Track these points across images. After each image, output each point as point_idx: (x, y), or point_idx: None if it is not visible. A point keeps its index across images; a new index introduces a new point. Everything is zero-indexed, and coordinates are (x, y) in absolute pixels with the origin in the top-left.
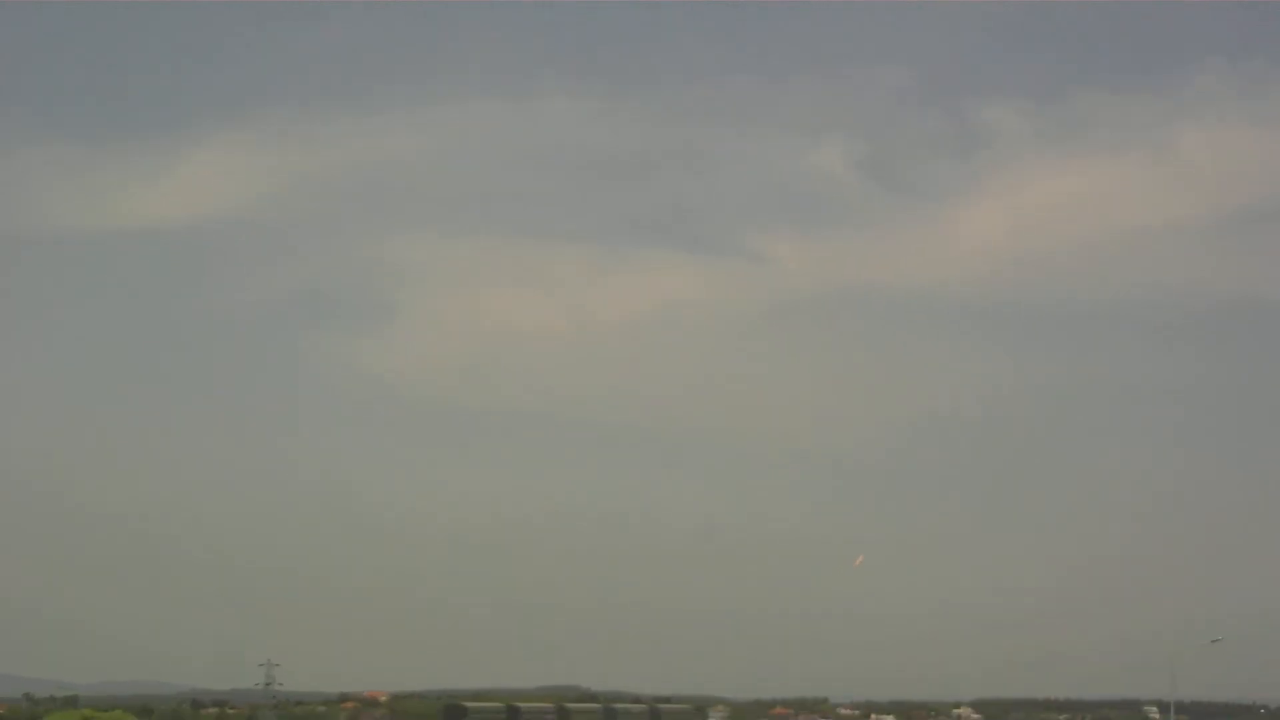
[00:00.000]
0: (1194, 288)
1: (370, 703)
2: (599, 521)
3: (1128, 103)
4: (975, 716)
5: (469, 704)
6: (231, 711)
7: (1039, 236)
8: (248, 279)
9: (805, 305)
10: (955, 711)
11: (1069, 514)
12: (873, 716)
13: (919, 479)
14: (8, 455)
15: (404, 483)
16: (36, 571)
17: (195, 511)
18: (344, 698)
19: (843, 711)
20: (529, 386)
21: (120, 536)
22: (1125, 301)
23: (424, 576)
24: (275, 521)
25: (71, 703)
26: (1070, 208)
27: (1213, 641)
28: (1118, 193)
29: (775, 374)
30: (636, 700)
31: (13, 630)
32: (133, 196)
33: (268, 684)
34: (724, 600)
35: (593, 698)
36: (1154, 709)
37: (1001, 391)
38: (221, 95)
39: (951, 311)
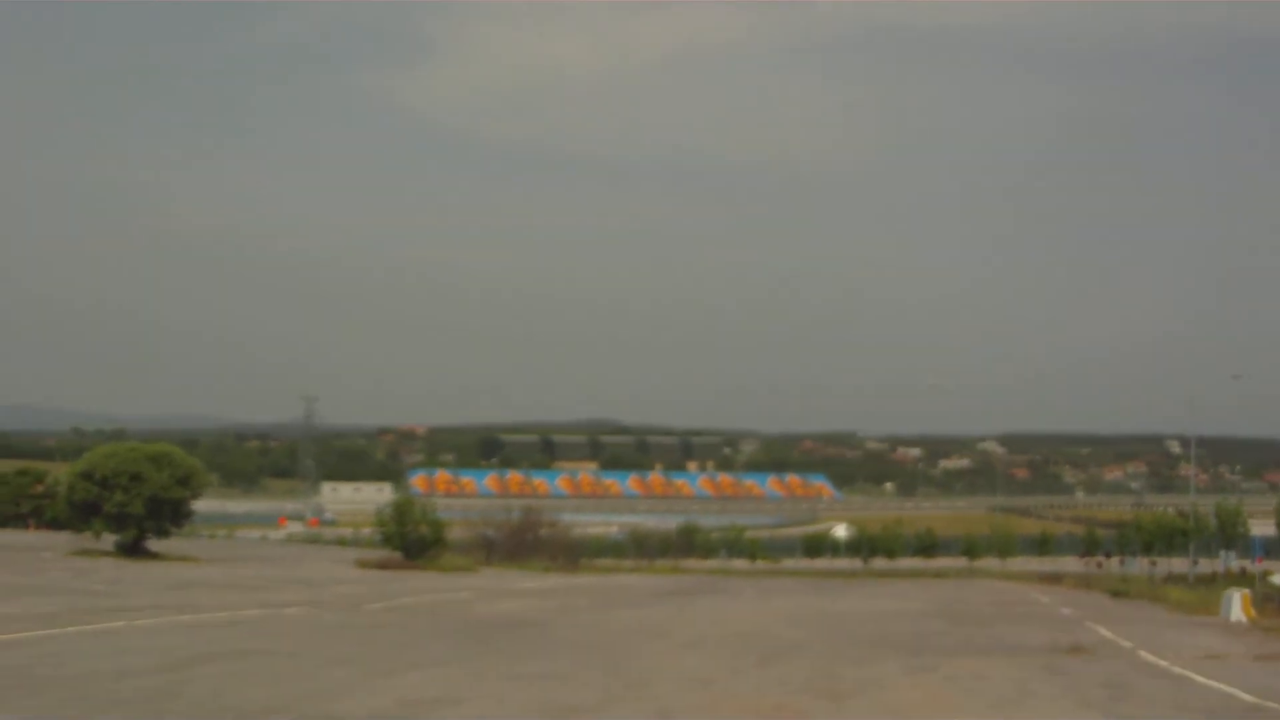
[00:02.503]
0: (1227, 21)
1: (408, 435)
2: (630, 256)
3: None
4: (1000, 450)
5: (505, 436)
6: (273, 444)
7: None
8: (278, 14)
9: (839, 43)
10: (980, 446)
11: (1100, 254)
12: (899, 449)
13: (954, 218)
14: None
15: (438, 218)
16: (83, 305)
17: (236, 251)
18: (383, 431)
19: (870, 445)
20: (565, 122)
21: (165, 279)
22: (1174, 35)
23: (461, 312)
24: (313, 260)
25: (118, 436)
26: None
27: (1233, 377)
28: None
29: (811, 111)
30: (668, 433)
31: (61, 365)
32: None
33: (308, 417)
34: (752, 335)
35: (625, 430)
36: (1175, 443)
37: (1046, 127)
38: None
39: (988, 47)
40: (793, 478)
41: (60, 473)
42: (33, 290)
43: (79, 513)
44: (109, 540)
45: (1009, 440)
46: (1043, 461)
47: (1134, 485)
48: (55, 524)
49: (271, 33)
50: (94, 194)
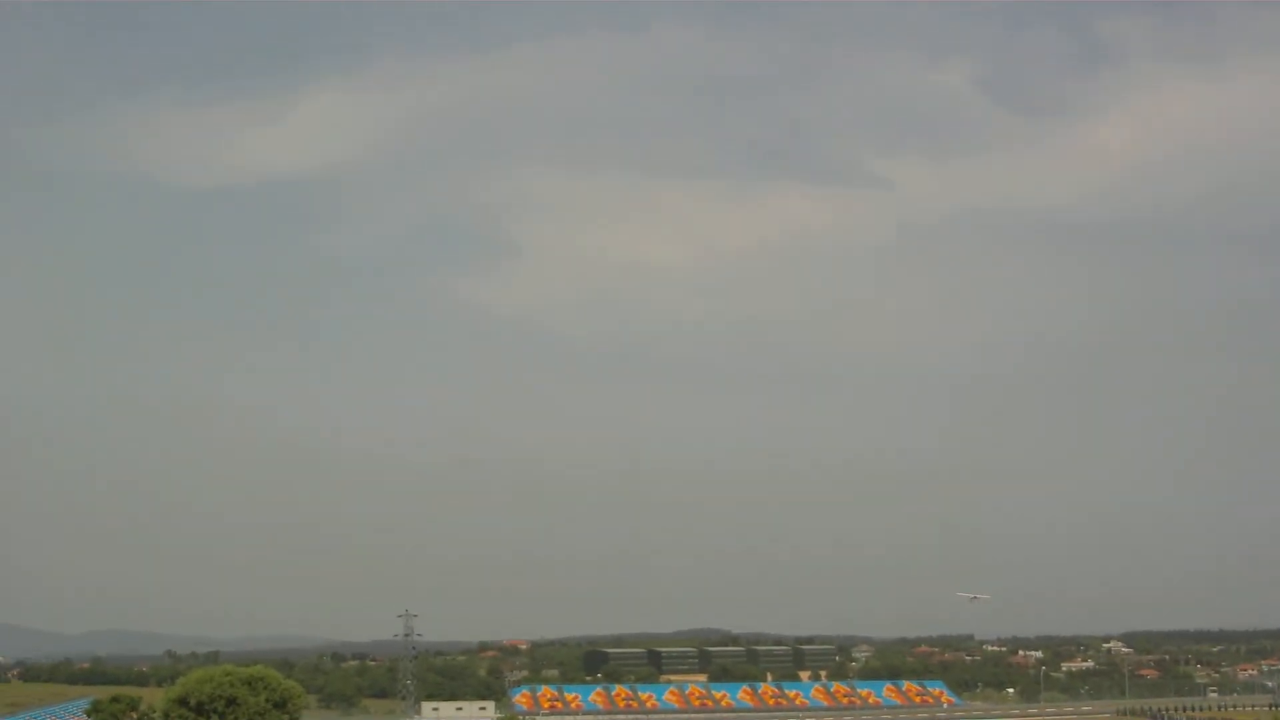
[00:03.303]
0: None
1: (511, 651)
2: (732, 459)
3: (1254, 11)
4: (1125, 650)
5: (610, 650)
6: (371, 663)
7: (1167, 154)
8: (368, 222)
9: (929, 231)
10: (1104, 646)
11: (1204, 434)
12: (1020, 652)
13: (1048, 401)
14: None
15: (531, 423)
16: (176, 531)
17: (327, 462)
18: (484, 647)
19: (988, 648)
20: (656, 321)
21: (255, 494)
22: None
23: (560, 521)
24: (406, 471)
25: (213, 659)
26: (1200, 122)
27: None
28: (1248, 107)
29: (904, 301)
30: (779, 642)
31: (156, 591)
32: (249, 147)
33: (407, 635)
34: (862, 538)
35: (734, 640)
36: None
37: (1133, 310)
38: (332, 39)
39: (1079, 231)
40: (909, 685)
41: (155, 699)
42: (120, 514)
43: None
44: None
45: (1134, 639)
46: (1171, 661)
47: (1269, 684)
48: None
49: (352, 238)
50: (168, 408)
